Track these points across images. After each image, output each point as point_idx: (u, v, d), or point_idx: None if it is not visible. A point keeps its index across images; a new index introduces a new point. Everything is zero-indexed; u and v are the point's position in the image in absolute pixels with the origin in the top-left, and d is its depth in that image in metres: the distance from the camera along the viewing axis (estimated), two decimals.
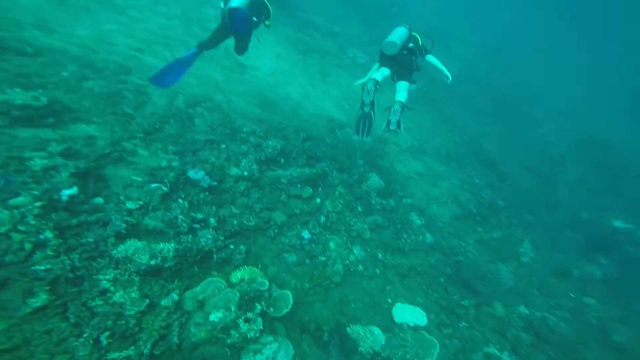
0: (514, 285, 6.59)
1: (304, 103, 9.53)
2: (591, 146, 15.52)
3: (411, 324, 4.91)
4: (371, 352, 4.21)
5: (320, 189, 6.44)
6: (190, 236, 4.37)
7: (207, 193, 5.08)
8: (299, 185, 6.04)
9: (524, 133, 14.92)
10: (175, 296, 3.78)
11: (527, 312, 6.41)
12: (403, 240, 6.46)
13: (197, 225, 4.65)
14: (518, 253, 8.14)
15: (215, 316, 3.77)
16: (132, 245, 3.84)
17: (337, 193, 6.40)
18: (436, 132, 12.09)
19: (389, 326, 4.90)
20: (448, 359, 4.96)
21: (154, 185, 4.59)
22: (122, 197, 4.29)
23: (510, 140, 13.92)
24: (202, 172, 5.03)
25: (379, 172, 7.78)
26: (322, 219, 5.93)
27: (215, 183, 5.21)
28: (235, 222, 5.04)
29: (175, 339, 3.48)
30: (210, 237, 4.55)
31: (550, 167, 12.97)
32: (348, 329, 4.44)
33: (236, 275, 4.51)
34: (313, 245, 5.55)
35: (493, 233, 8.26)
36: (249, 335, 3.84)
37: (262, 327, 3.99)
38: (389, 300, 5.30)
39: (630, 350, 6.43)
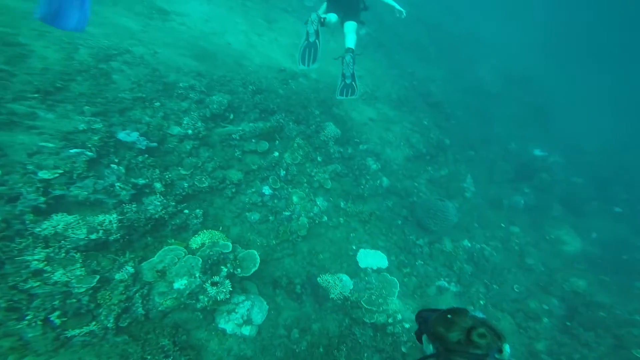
0: (459, 220, 7.16)
1: (249, 54, 8.35)
2: (519, 83, 16.68)
3: (374, 267, 5.11)
4: (342, 297, 4.33)
5: (277, 142, 5.95)
6: (134, 205, 3.88)
7: (146, 156, 4.34)
8: (253, 140, 5.48)
9: (466, 75, 15.38)
10: (130, 269, 3.56)
11: (469, 245, 7.06)
12: (362, 187, 6.46)
13: (137, 192, 4.05)
14: (462, 188, 8.77)
15: (179, 284, 3.65)
16: (60, 220, 3.38)
17: (295, 145, 5.98)
18: (387, 78, 11.81)
19: (356, 271, 5.05)
20: (407, 295, 5.36)
21: (73, 150, 3.77)
22: (30, 167, 3.51)
23: (453, 82, 14.28)
24: (136, 134, 4.22)
25: (335, 121, 7.44)
26: (282, 172, 5.57)
27: (154, 144, 4.45)
28: (185, 184, 4.47)
29: (140, 310, 3.37)
30: (159, 203, 4.02)
31: (488, 105, 13.77)
32: (319, 279, 4.46)
33: (196, 241, 4.25)
34: (275, 201, 5.25)
35: (441, 171, 8.71)
36: (218, 298, 3.78)
37: (231, 289, 3.92)
38: (354, 247, 5.40)
39: (538, 272, 7.53)
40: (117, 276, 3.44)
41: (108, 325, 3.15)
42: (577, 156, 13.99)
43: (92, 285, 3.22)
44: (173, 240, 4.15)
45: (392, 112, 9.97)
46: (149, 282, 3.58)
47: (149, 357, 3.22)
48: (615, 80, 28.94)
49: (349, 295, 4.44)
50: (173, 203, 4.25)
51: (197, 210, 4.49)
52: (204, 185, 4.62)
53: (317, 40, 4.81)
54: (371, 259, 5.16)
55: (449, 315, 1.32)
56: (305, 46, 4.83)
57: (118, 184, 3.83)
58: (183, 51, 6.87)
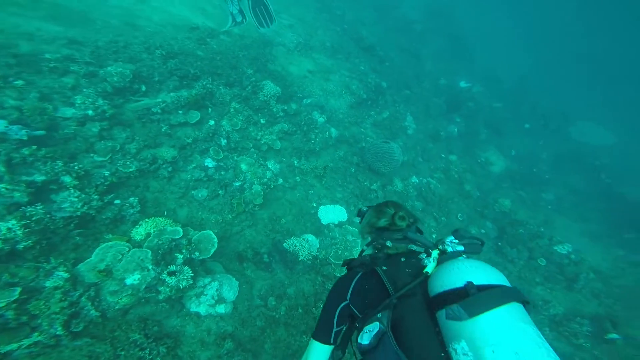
0: (406, 158, 7.22)
1: (140, 11, 6.62)
2: (440, 18, 16.72)
3: (336, 222, 4.95)
4: (310, 257, 4.14)
5: (210, 109, 5.06)
6: (40, 205, 3.15)
7: (34, 147, 3.32)
8: (180, 112, 4.56)
9: (392, 13, 14.83)
10: (63, 274, 3.20)
11: (417, 180, 7.23)
12: (312, 141, 6.03)
13: (38, 190, 3.22)
14: (404, 127, 8.85)
15: (132, 279, 3.33)
16: None
17: (232, 110, 5.17)
18: (318, 24, 10.80)
19: (319, 229, 4.84)
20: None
21: None
22: None
23: (381, 22, 13.71)
24: (3, 122, 3.10)
25: (273, 78, 6.61)
26: (223, 141, 4.83)
27: (41, 132, 3.40)
28: (106, 172, 3.62)
29: (94, 312, 3.10)
30: (76, 199, 3.28)
31: (416, 43, 13.67)
32: (285, 244, 4.16)
33: (139, 232, 3.73)
34: (222, 173, 4.61)
35: (383, 113, 8.59)
36: (181, 285, 3.50)
37: (192, 274, 3.63)
38: (314, 205, 5.13)
39: (475, 197, 8.11)
40: (49, 284, 3.08)
41: (57, 332, 2.87)
42: (495, 84, 15.05)
43: (13, 298, 2.84)
44: (111, 236, 3.61)
45: (329, 61, 9.28)
46: (93, 283, 3.23)
47: (122, 353, 3.05)
48: (522, 12, 30.88)
49: (317, 254, 4.27)
50: (96, 196, 3.48)
51: (132, 199, 3.80)
52: (131, 169, 3.77)
53: None
54: (332, 214, 4.97)
55: (379, 207, 1.52)
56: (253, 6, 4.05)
57: (2, 185, 2.92)
58: (32, 12, 5.05)
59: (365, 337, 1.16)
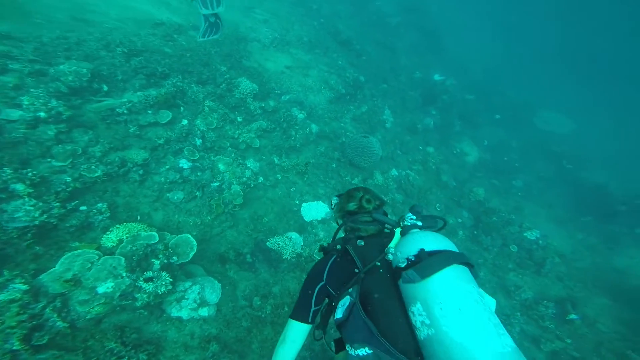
0: (385, 152, 7.25)
1: (94, 5, 6.08)
2: (414, 11, 16.85)
3: (319, 219, 4.89)
4: (294, 255, 4.06)
5: (182, 109, 4.81)
6: None
7: None
8: (149, 112, 4.29)
9: (368, 7, 14.76)
10: (21, 286, 3.01)
11: (396, 173, 7.27)
12: (293, 138, 5.91)
13: None
14: (382, 121, 8.89)
15: (104, 288, 3.19)
16: None
17: (206, 109, 4.94)
18: (294, 19, 10.54)
19: (303, 226, 4.77)
20: None
21: None
22: None
23: (357, 16, 13.62)
24: None
25: (249, 75, 6.38)
26: (198, 141, 4.61)
27: None
28: (67, 178, 3.36)
29: (61, 323, 2.92)
30: (32, 207, 3.05)
31: (391, 37, 13.71)
32: (268, 243, 4.06)
33: (109, 239, 3.54)
34: (199, 174, 4.41)
35: (362, 108, 8.57)
36: (159, 292, 3.36)
37: (171, 279, 3.47)
38: (297, 202, 5.03)
39: (451, 187, 8.28)
40: (3, 297, 2.91)
41: (14, 347, 2.69)
42: (466, 76, 15.43)
43: None
44: (78, 244, 3.40)
45: (307, 56, 9.11)
46: (59, 293, 3.05)
47: None
48: (493, 4, 31.68)
49: (301, 251, 4.20)
50: (57, 203, 3.25)
51: (99, 205, 3.57)
52: (97, 174, 3.51)
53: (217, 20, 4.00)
54: (314, 210, 4.91)
55: (349, 192, 1.62)
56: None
57: None
58: None
59: (339, 311, 1.26)
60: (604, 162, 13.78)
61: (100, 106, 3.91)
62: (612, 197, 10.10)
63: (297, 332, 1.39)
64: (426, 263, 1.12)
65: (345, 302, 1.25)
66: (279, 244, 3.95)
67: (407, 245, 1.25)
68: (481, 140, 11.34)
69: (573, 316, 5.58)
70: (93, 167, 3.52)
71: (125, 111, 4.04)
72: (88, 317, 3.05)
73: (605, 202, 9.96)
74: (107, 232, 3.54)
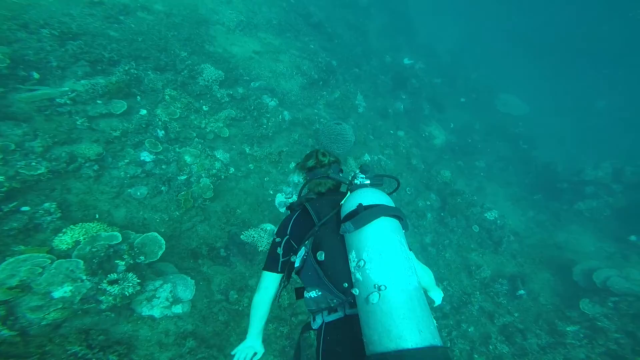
0: (357, 137, 7.09)
1: None
2: None
3: None
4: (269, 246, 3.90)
5: (138, 97, 4.31)
6: None
7: None
8: (99, 102, 3.77)
9: None
10: None
11: (369, 158, 7.16)
12: (265, 126, 5.60)
13: None
14: (355, 105, 8.71)
15: (61, 292, 2.92)
16: None
17: (167, 97, 4.48)
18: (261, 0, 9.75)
19: (278, 217, 4.60)
20: None
21: None
22: None
23: None
24: None
25: (214, 61, 5.85)
26: (161, 132, 4.20)
27: None
28: (0, 178, 2.90)
29: (6, 332, 2.68)
30: None
31: (362, 18, 13.27)
32: (242, 236, 3.87)
33: (64, 241, 3.21)
34: (163, 167, 4.05)
35: (334, 93, 8.32)
36: (126, 293, 3.14)
37: (139, 280, 3.23)
38: (271, 192, 4.82)
39: (421, 170, 8.33)
40: None
41: None
42: (434, 60, 15.49)
43: None
44: (23, 247, 3.08)
45: (277, 40, 8.55)
46: (2, 301, 2.76)
47: None
48: None
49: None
50: None
51: (47, 204, 3.20)
52: (40, 171, 3.09)
53: None
54: (290, 200, 4.73)
55: (308, 153, 1.74)
56: None
57: None
58: None
59: (297, 261, 1.41)
60: (554, 142, 14.73)
61: (32, 96, 3.35)
62: (557, 175, 10.82)
63: (269, 281, 1.53)
64: (361, 215, 1.25)
65: (301, 252, 1.40)
66: (253, 237, 3.77)
67: (350, 200, 1.36)
68: (448, 123, 11.57)
69: (521, 292, 5.91)
70: (34, 163, 3.08)
71: (68, 101, 3.51)
72: (43, 322, 2.82)
73: (551, 179, 10.64)
74: (60, 234, 3.20)
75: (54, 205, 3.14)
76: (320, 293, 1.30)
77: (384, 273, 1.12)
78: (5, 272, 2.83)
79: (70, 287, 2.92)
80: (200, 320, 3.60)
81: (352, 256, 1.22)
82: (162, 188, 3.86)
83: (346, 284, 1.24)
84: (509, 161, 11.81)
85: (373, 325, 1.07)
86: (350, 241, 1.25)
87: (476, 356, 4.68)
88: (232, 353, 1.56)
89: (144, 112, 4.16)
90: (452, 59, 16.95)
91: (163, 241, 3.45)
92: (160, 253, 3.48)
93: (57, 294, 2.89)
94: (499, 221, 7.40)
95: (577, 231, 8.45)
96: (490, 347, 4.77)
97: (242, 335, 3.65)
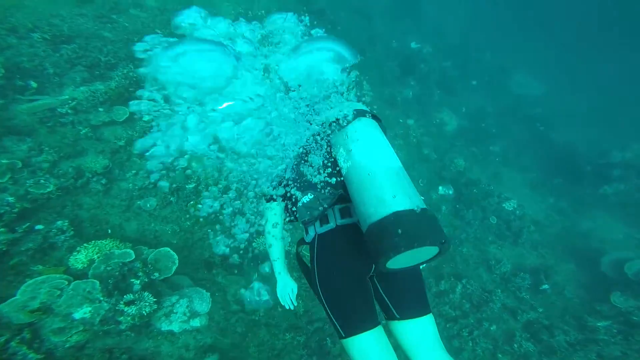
0: None
1: None
2: None
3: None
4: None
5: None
6: None
7: None
8: (101, 109, 3.64)
9: None
10: None
11: None
12: None
13: None
14: (361, 95, 8.41)
15: (81, 313, 2.94)
16: None
17: None
18: None
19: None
20: None
21: None
22: None
23: None
24: None
25: None
26: None
27: None
28: (9, 198, 2.92)
29: (33, 355, 2.67)
30: None
31: (365, 2, 12.70)
32: (254, 243, 3.76)
33: (79, 260, 3.17)
34: (171, 175, 3.92)
35: None
36: (144, 312, 3.10)
37: (155, 298, 3.21)
38: None
39: (433, 160, 8.08)
40: None
41: None
42: (443, 41, 14.84)
43: None
44: (41, 267, 3.05)
45: None
46: (25, 323, 2.77)
47: None
48: None
49: (289, 248, 3.94)
50: (3, 228, 2.80)
51: (59, 222, 3.13)
52: (49, 189, 3.01)
53: None
54: None
55: None
56: None
57: None
58: None
59: (288, 173, 1.64)
60: (574, 122, 14.13)
61: (33, 106, 3.23)
62: (579, 157, 10.34)
63: (272, 212, 1.67)
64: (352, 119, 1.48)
65: (291, 163, 1.61)
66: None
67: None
68: (459, 108, 11.15)
69: (545, 286, 5.64)
70: (42, 181, 3.00)
71: (69, 111, 3.39)
72: (67, 345, 2.83)
73: (572, 162, 10.15)
74: (75, 253, 3.16)
75: (66, 223, 3.10)
76: (312, 196, 1.46)
77: (371, 155, 1.32)
78: (26, 294, 2.86)
79: (89, 308, 2.96)
80: (218, 332, 3.57)
81: (340, 153, 1.41)
82: (171, 199, 3.76)
83: (336, 179, 1.42)
84: (526, 145, 11.40)
85: (368, 201, 1.23)
86: (336, 140, 1.47)
87: (500, 355, 4.58)
88: (279, 297, 1.73)
89: (147, 117, 4.01)
90: (462, 40, 16.21)
91: (175, 256, 3.39)
92: (174, 268, 3.43)
93: (78, 315, 2.94)
94: (517, 211, 7.16)
95: (603, 217, 8.12)
96: (515, 345, 4.66)
97: (260, 347, 3.61)
